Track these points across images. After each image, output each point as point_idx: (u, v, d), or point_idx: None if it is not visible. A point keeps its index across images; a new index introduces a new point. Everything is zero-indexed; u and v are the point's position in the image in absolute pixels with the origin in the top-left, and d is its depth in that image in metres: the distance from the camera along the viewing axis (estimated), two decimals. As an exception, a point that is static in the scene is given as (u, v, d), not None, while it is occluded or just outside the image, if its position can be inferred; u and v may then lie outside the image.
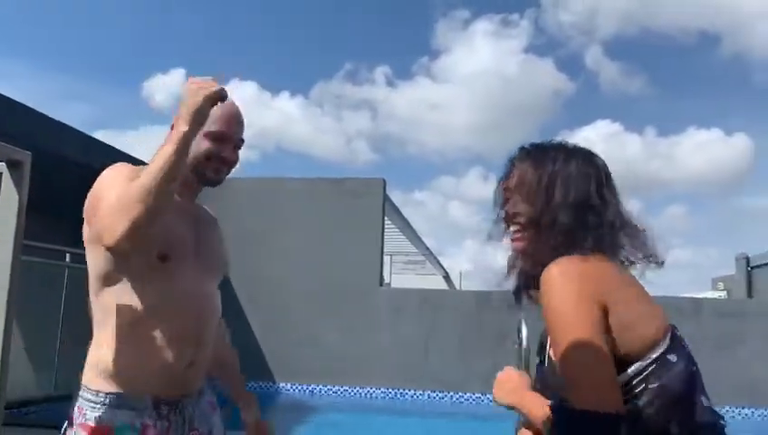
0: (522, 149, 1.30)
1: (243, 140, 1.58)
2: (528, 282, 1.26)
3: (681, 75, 24.70)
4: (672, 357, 1.06)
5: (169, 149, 1.29)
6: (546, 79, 25.54)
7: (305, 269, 8.06)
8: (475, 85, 28.64)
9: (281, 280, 7.97)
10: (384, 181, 8.38)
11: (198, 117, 1.31)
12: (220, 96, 1.33)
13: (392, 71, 27.57)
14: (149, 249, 1.40)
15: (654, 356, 1.05)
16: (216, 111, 1.41)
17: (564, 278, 1.07)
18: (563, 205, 1.18)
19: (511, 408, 1.21)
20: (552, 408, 1.05)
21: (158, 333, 1.42)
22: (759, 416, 6.83)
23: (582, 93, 24.46)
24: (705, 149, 24.02)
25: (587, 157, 1.25)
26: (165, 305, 1.43)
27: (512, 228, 1.24)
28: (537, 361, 1.30)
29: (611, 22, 26.00)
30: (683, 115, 26.34)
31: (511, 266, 1.31)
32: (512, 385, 1.24)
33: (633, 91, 24.31)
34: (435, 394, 7.67)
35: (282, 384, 7.86)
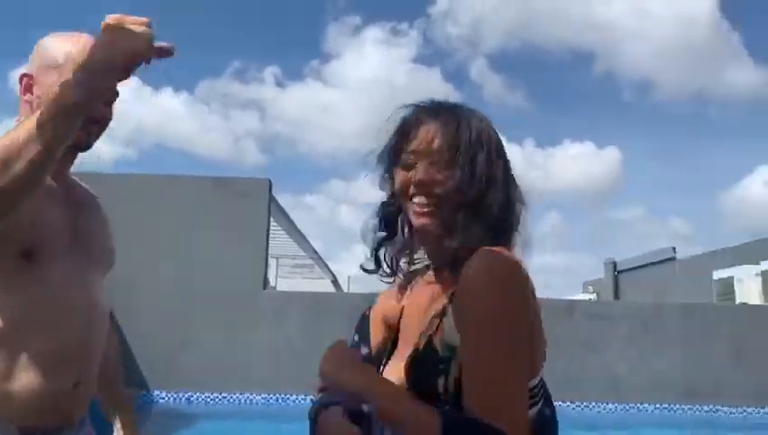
0: (424, 105, 1.08)
1: (118, 93, 1.21)
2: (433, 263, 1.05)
3: (558, 90, 26.22)
4: (547, 411, 0.96)
5: (56, 108, 0.93)
6: (434, 89, 26.19)
7: (184, 271, 7.71)
8: (364, 91, 28.89)
9: (157, 283, 7.57)
10: (270, 182, 8.20)
11: (113, 72, 0.95)
12: (151, 52, 0.97)
13: (282, 71, 27.21)
14: (9, 245, 1.11)
15: (538, 380, 0.95)
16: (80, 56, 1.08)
17: (507, 277, 0.91)
18: (496, 177, 0.99)
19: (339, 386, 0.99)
20: (448, 415, 0.87)
21: (30, 349, 1.14)
22: (622, 410, 7.29)
23: (468, 104, 25.27)
24: (579, 161, 25.62)
25: (489, 121, 1.08)
26: (37, 314, 1.15)
27: (417, 199, 1.01)
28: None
29: (495, 36, 27.17)
30: (559, 128, 27.92)
31: (404, 248, 1.10)
32: (348, 359, 1.04)
33: (514, 103, 25.48)
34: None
35: (157, 392, 7.46)
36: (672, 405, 7.31)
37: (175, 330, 7.51)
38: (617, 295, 15.18)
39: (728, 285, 9.62)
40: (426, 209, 1.00)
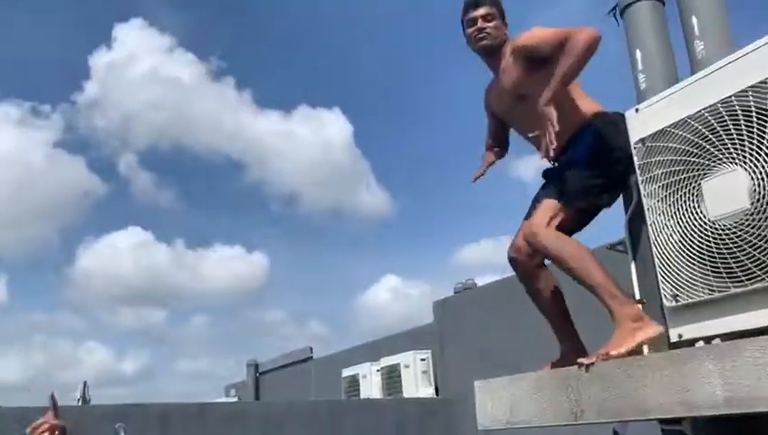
0: None
1: None
2: None
3: (211, 194, 26.47)
4: None
5: None
6: (77, 178, 23.99)
7: None
8: (-7, 171, 25.05)
9: None
10: None
11: None
12: None
13: None
14: None
15: None
16: None
17: None
18: None
19: None
20: None
21: None
22: None
23: (115, 198, 23.76)
24: (228, 264, 25.85)
25: None
26: None
27: None
28: None
29: (147, 133, 26.40)
30: (210, 231, 28.00)
31: None
32: None
33: (165, 202, 24.85)
34: None
35: None
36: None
37: None
38: (257, 396, 15.23)
39: (354, 381, 10.39)
40: None
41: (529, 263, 2.70)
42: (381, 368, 9.70)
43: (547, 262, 2.72)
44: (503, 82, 2.80)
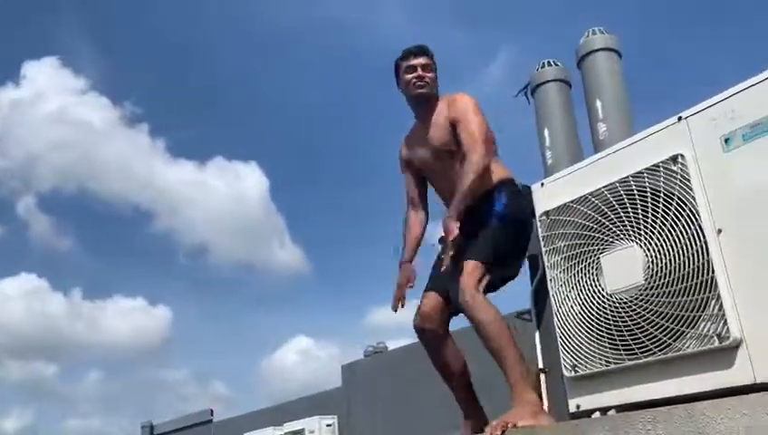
0: None
1: None
2: None
3: (114, 242, 25.38)
4: None
5: None
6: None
7: None
8: None
9: None
10: None
11: None
12: None
13: None
14: None
15: None
16: None
17: None
18: None
19: None
20: None
21: None
22: None
23: (10, 242, 22.39)
24: (128, 317, 24.57)
25: None
26: None
27: None
28: None
29: (50, 176, 25.27)
30: (111, 281, 26.76)
31: None
32: None
33: (64, 249, 23.59)
34: None
35: None
36: None
37: None
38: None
39: (255, 446, 9.95)
40: None
41: (436, 332, 2.68)
42: (285, 433, 9.34)
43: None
44: (431, 133, 2.83)
